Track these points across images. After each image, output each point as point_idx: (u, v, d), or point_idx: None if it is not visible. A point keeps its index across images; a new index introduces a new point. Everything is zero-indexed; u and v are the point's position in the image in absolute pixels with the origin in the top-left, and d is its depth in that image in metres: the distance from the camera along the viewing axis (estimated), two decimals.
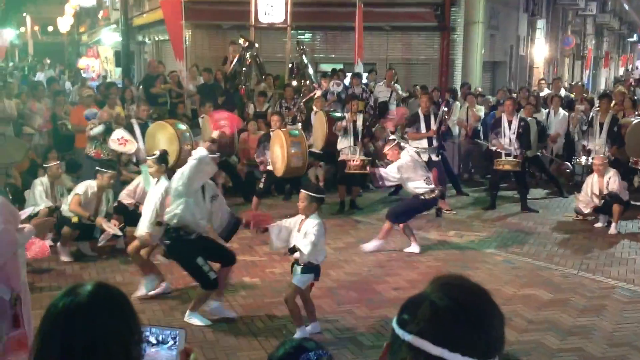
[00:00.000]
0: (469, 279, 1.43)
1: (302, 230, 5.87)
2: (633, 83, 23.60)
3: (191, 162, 6.14)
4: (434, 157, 10.62)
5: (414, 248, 8.58)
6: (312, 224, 5.84)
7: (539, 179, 12.98)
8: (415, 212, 8.87)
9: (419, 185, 8.55)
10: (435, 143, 10.56)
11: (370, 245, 8.64)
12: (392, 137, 9.28)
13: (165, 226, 6.27)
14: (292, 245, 5.90)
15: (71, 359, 1.59)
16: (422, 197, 8.58)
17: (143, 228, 6.64)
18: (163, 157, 7.08)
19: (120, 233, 8.20)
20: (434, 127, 10.47)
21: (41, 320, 1.68)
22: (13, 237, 4.53)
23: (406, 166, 8.49)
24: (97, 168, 8.48)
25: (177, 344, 2.08)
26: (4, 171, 4.64)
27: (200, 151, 6.24)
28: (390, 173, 8.59)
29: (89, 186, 8.22)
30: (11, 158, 4.75)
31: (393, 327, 1.38)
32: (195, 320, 6.24)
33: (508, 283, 7.44)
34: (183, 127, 9.78)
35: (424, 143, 10.57)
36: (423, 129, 10.54)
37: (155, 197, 6.75)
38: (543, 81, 17.93)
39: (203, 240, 6.40)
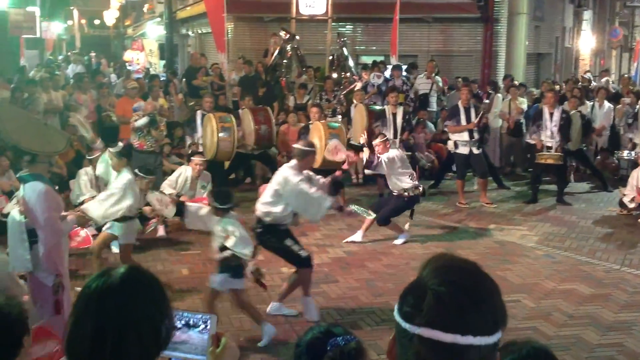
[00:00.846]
0: (456, 255, 1.43)
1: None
2: None
3: (316, 196, 6.01)
4: (475, 150, 10.52)
5: (402, 239, 8.67)
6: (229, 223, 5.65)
7: (582, 173, 12.74)
8: (402, 211, 8.76)
9: (405, 180, 8.51)
10: (476, 136, 10.45)
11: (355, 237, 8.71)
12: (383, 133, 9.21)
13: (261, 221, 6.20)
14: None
15: (102, 339, 1.63)
16: (406, 193, 8.51)
17: (96, 214, 6.16)
18: (123, 151, 7.02)
19: (169, 214, 8.37)
20: (474, 119, 10.37)
21: (75, 301, 1.72)
22: (57, 225, 4.67)
23: (393, 160, 8.44)
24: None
25: (207, 327, 2.12)
26: (48, 160, 4.76)
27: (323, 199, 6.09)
28: (382, 163, 8.52)
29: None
30: (54, 147, 4.87)
31: (398, 321, 1.38)
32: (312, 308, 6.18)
33: (548, 277, 7.35)
34: (228, 121, 10.05)
35: (464, 136, 10.47)
36: (463, 122, 10.44)
37: (116, 189, 6.53)
38: (588, 73, 17.58)
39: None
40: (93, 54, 29.02)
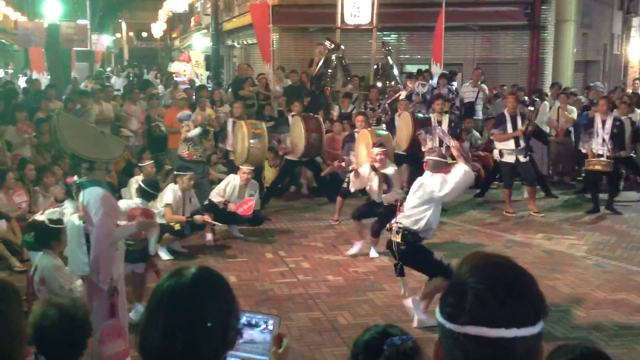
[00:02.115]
0: (489, 252, 1.48)
1: None
2: None
3: (460, 173, 6.30)
4: (522, 159, 10.42)
5: (375, 252, 8.41)
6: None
7: (633, 181, 12.48)
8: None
9: (399, 191, 8.43)
10: (522, 144, 10.36)
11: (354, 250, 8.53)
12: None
13: (402, 230, 6.31)
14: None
15: (173, 337, 1.69)
16: (396, 202, 8.29)
17: None
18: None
19: (220, 225, 8.57)
20: (520, 127, 10.28)
21: (148, 299, 1.80)
22: (111, 228, 4.81)
23: (396, 174, 8.37)
24: (175, 173, 8.84)
25: (269, 327, 2.17)
26: (105, 166, 4.92)
27: (463, 167, 6.39)
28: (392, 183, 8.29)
29: (175, 191, 8.54)
30: (111, 154, 5.03)
31: (441, 323, 1.42)
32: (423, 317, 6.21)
33: (599, 287, 7.24)
34: (259, 127, 10.18)
35: (510, 144, 10.38)
36: (509, 130, 10.36)
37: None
38: (638, 80, 17.23)
39: None
40: (138, 69, 29.59)
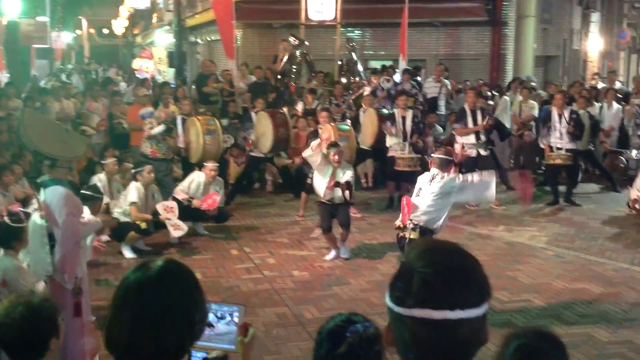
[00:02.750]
0: (437, 239, 1.55)
1: None
2: None
3: (482, 180, 6.62)
4: (483, 152, 10.59)
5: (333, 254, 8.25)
6: None
7: (591, 174, 12.76)
8: None
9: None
10: (483, 138, 10.53)
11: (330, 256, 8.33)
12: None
13: (421, 229, 6.43)
14: None
15: (140, 329, 1.70)
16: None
17: None
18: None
19: (186, 228, 8.50)
20: (481, 122, 10.45)
21: (114, 292, 1.78)
22: (76, 227, 4.78)
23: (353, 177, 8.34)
24: (132, 171, 8.76)
25: (234, 319, 2.20)
26: (68, 165, 4.87)
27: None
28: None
29: (139, 189, 8.48)
30: (74, 152, 4.99)
31: (390, 307, 1.47)
32: None
33: (559, 277, 7.41)
34: (212, 123, 10.13)
35: (471, 139, 10.54)
36: (470, 124, 10.52)
37: None
38: (597, 76, 17.60)
39: None
40: (99, 67, 29.21)
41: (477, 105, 10.72)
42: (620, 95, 14.02)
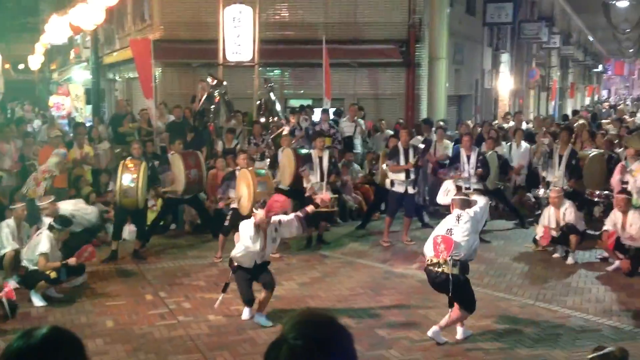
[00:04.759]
0: (317, 311, 1.64)
1: None
2: (588, 115, 24.16)
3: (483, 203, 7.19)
4: (410, 190, 10.91)
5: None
6: None
7: (501, 211, 13.25)
8: None
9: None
10: (412, 176, 10.85)
11: None
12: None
13: (461, 264, 6.67)
14: None
15: None
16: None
17: None
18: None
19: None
20: (412, 160, 10.77)
21: None
22: None
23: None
24: (51, 224, 8.47)
25: None
26: None
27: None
28: None
29: (50, 238, 8.25)
30: None
31: None
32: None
33: None
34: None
35: (401, 176, 10.86)
36: (402, 162, 10.83)
37: None
38: (509, 116, 18.39)
39: None
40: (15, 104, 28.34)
41: (409, 143, 11.06)
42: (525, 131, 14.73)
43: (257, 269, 7.50)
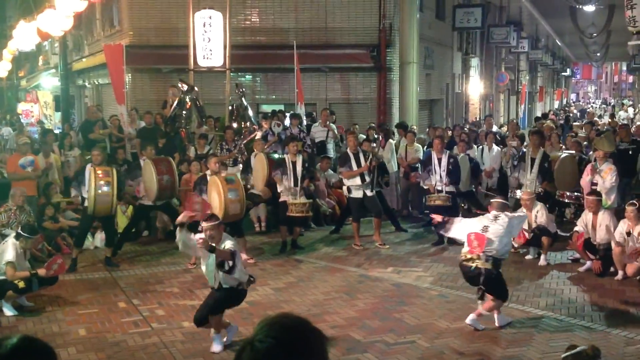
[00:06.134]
0: (291, 314, 1.62)
1: None
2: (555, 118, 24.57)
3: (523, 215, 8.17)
4: (369, 193, 10.94)
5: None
6: None
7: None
8: None
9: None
10: (367, 179, 10.88)
11: None
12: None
13: (494, 260, 7.11)
14: None
15: None
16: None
17: None
18: None
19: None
20: (364, 163, 10.80)
21: None
22: None
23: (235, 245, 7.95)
24: (18, 232, 8.33)
25: None
26: None
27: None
28: None
29: (16, 247, 8.10)
30: None
31: None
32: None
33: (442, 317, 7.67)
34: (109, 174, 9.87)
35: (357, 180, 10.87)
36: (354, 167, 10.85)
37: None
38: (479, 120, 18.55)
39: None
40: None
41: (359, 148, 11.09)
42: (499, 138, 14.88)
43: (218, 291, 6.77)
